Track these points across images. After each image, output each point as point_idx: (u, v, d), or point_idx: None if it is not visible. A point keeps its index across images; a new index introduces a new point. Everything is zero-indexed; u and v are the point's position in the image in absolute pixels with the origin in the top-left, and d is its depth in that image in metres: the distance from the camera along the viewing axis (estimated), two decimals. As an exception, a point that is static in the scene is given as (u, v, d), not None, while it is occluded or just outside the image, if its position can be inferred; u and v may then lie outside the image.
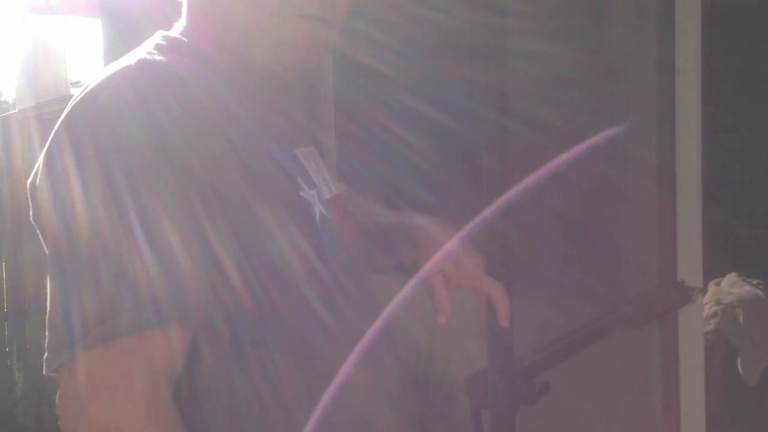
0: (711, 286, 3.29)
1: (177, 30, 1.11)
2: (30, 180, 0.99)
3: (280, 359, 0.97)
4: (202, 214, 0.91)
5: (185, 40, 1.07)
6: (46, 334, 0.92)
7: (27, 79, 7.17)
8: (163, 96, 0.94)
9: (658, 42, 1.86)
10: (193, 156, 0.92)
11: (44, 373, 0.92)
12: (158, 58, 1.00)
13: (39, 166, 0.98)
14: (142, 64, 0.98)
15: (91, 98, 0.95)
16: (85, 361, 0.87)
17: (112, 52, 4.42)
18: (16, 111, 5.90)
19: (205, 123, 0.94)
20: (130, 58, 0.99)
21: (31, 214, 0.99)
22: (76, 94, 0.99)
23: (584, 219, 1.79)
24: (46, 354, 0.91)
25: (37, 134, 5.38)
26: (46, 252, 0.96)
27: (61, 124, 0.96)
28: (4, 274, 5.34)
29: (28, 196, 1.00)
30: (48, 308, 0.92)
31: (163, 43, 1.05)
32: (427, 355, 1.59)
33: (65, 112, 0.97)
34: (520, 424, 1.19)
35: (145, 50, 1.03)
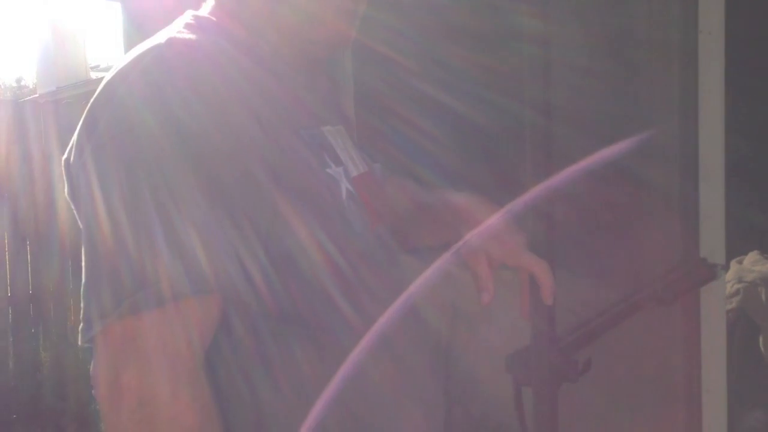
0: (733, 264, 3.28)
1: (206, 10, 1.12)
2: (65, 156, 1.01)
3: (298, 346, 0.99)
4: (225, 196, 0.92)
5: (213, 19, 1.08)
6: (81, 305, 0.94)
7: (47, 64, 7.19)
8: (192, 74, 0.95)
9: (680, 25, 1.85)
10: (219, 135, 0.92)
11: (79, 343, 0.94)
12: (188, 36, 1.01)
13: (73, 144, 0.99)
14: (172, 42, 0.99)
15: (122, 77, 0.97)
16: (118, 331, 0.89)
17: (132, 36, 4.43)
18: (37, 95, 5.92)
19: (233, 101, 0.95)
20: (160, 37, 1.00)
21: (66, 190, 1.01)
22: (109, 72, 1.00)
23: (609, 198, 1.79)
24: (81, 325, 0.93)
25: (57, 118, 5.42)
26: (81, 226, 0.98)
27: (93, 102, 0.97)
28: (28, 256, 5.39)
29: (63, 171, 1.02)
30: (83, 280, 0.94)
31: (193, 22, 1.06)
32: (447, 343, 1.60)
33: (98, 90, 0.98)
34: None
35: (175, 29, 1.04)
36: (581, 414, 1.62)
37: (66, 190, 1.02)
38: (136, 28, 4.08)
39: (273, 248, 0.95)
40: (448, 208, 1.21)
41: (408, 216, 1.25)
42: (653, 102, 1.96)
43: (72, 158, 0.99)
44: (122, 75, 0.96)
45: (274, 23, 1.06)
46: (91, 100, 0.98)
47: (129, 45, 4.62)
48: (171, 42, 0.98)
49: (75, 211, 1.01)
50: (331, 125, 1.12)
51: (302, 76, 1.12)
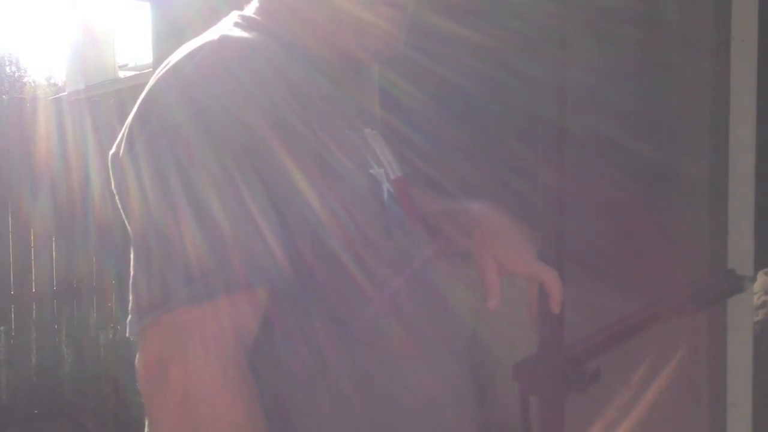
0: (761, 276, 3.23)
1: (250, 10, 1.13)
2: (112, 151, 1.01)
3: (336, 343, 0.99)
4: (275, 192, 0.93)
5: (259, 19, 1.10)
6: (130, 298, 0.95)
7: (76, 62, 7.28)
8: (246, 71, 0.96)
9: (713, 30, 1.83)
10: (271, 131, 0.93)
11: (127, 335, 0.94)
12: (239, 33, 1.03)
13: (122, 138, 1.00)
14: (225, 38, 1.01)
15: (176, 71, 0.97)
16: (167, 324, 0.90)
17: (161, 36, 4.46)
18: (66, 93, 5.99)
19: (287, 97, 0.96)
20: (212, 34, 1.02)
21: (112, 184, 1.01)
22: (159, 68, 1.01)
23: (635, 207, 1.77)
24: (129, 317, 0.94)
25: (87, 116, 5.47)
26: (126, 223, 0.99)
27: (145, 96, 0.98)
28: (54, 253, 5.45)
29: (109, 166, 1.02)
30: (131, 274, 0.95)
31: (240, 21, 1.08)
32: (471, 339, 1.60)
33: (150, 84, 0.99)
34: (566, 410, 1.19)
35: (225, 27, 1.06)
36: (595, 425, 1.60)
37: (113, 184, 1.01)
38: (166, 27, 4.09)
39: (318, 246, 0.96)
40: (460, 216, 1.23)
41: (431, 222, 1.26)
42: (684, 110, 1.93)
43: (121, 152, 0.99)
44: (176, 69, 0.97)
45: (331, 28, 1.08)
46: (143, 94, 0.99)
47: (158, 44, 4.66)
48: (224, 39, 1.00)
49: (120, 204, 1.01)
50: (371, 128, 1.14)
51: (348, 77, 1.14)
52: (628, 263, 1.75)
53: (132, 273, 0.95)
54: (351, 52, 1.09)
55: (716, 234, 1.85)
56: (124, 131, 1.00)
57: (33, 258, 5.35)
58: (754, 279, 1.92)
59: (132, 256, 0.96)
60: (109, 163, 1.02)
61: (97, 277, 5.42)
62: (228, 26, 1.07)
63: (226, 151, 0.91)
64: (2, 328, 5.23)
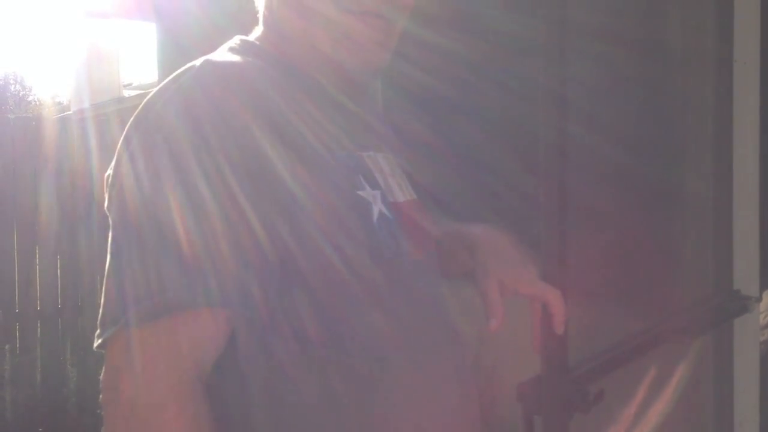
0: (766, 296, 3.22)
1: (254, 35, 1.15)
2: (108, 172, 1.04)
3: (307, 365, 0.99)
4: (244, 209, 0.94)
5: (257, 43, 1.12)
6: (100, 310, 0.97)
7: (82, 81, 7.32)
8: (220, 93, 0.98)
9: (716, 39, 1.83)
10: (239, 152, 0.95)
11: (94, 347, 0.97)
12: (225, 58, 1.06)
13: (115, 158, 1.03)
14: (207, 63, 1.03)
15: (160, 95, 1.01)
16: (122, 339, 0.92)
17: (167, 55, 4.49)
18: (71, 112, 6.02)
19: (258, 119, 0.97)
20: (199, 59, 1.05)
21: (105, 204, 1.03)
22: (153, 91, 1.05)
23: (639, 227, 1.77)
24: (98, 330, 0.97)
25: (92, 134, 5.49)
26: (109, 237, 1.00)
27: (134, 118, 1.02)
28: (59, 270, 5.46)
29: (105, 186, 1.04)
30: (104, 285, 0.98)
31: (236, 45, 1.11)
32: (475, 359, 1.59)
33: (139, 107, 1.03)
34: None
35: (218, 52, 1.09)
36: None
37: (106, 203, 1.04)
38: (171, 47, 4.12)
39: (288, 265, 0.97)
40: (463, 238, 1.23)
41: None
42: (687, 131, 1.93)
43: (112, 172, 1.02)
44: (160, 93, 1.02)
45: (312, 50, 1.09)
46: (132, 116, 1.03)
47: (163, 64, 4.69)
48: (206, 63, 1.03)
49: (109, 217, 1.03)
50: (374, 152, 1.13)
51: (344, 100, 1.14)
52: (632, 283, 1.74)
53: (104, 287, 0.98)
54: (341, 71, 1.10)
55: (721, 254, 1.84)
56: (117, 149, 1.03)
57: (38, 276, 5.36)
58: (759, 299, 1.91)
59: (106, 270, 0.98)
60: (105, 184, 1.04)
61: (101, 296, 5.42)
62: (221, 50, 1.10)
63: (193, 174, 0.93)
64: (7, 346, 5.23)
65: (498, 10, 1.93)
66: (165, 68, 4.83)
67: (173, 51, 3.95)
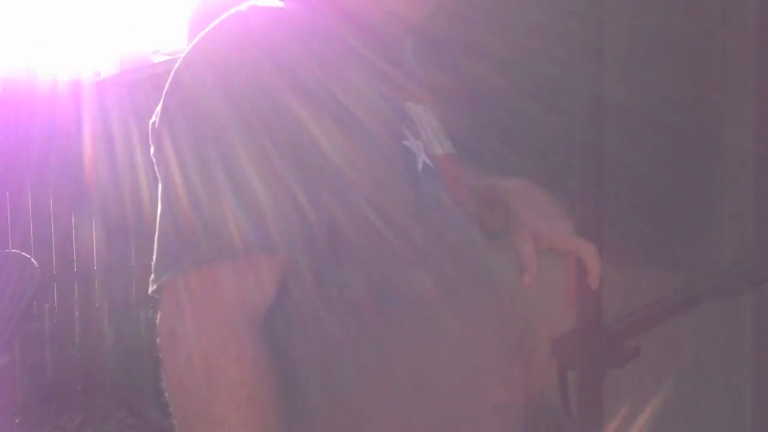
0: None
1: None
2: (152, 120, 1.04)
3: (365, 301, 0.99)
4: (294, 158, 0.95)
5: None
6: (154, 255, 0.98)
7: (111, 46, 7.33)
8: (270, 39, 0.98)
9: (755, 30, 1.78)
10: (293, 98, 0.95)
11: (149, 293, 0.97)
12: (269, 4, 1.05)
13: (161, 104, 1.03)
14: (252, 8, 1.03)
15: (207, 40, 1.01)
16: (179, 284, 0.93)
17: (196, 20, 4.48)
18: (102, 77, 6.06)
19: (312, 66, 0.97)
20: (244, 5, 1.04)
21: (151, 151, 1.04)
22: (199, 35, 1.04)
23: (677, 184, 1.74)
24: (152, 275, 0.97)
25: (124, 99, 5.52)
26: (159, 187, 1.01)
27: (179, 64, 1.02)
28: (94, 234, 5.53)
29: (149, 133, 1.04)
30: (156, 234, 0.98)
31: None
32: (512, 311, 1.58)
33: (185, 52, 1.03)
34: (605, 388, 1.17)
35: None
36: (632, 403, 1.58)
37: (151, 150, 1.04)
38: (201, 11, 4.12)
39: (337, 213, 0.97)
40: (498, 192, 1.23)
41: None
42: (725, 100, 1.88)
43: (158, 118, 1.02)
44: (207, 38, 1.02)
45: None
46: (180, 59, 1.03)
47: (192, 29, 4.67)
48: (251, 8, 1.03)
49: (156, 170, 1.04)
50: (415, 102, 1.13)
51: (385, 49, 1.13)
52: (669, 241, 1.72)
53: (156, 233, 0.98)
54: (382, 17, 1.09)
55: (761, 213, 1.81)
56: (162, 98, 1.03)
57: (73, 237, 5.43)
58: (801, 259, 1.86)
59: (158, 217, 0.98)
60: (149, 131, 1.04)
61: (136, 255, 5.48)
62: None
63: (243, 120, 0.93)
64: (46, 305, 5.33)
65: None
66: (194, 34, 4.82)
67: (202, 15, 3.94)
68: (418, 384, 1.01)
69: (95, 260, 5.49)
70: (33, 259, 3.93)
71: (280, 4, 1.05)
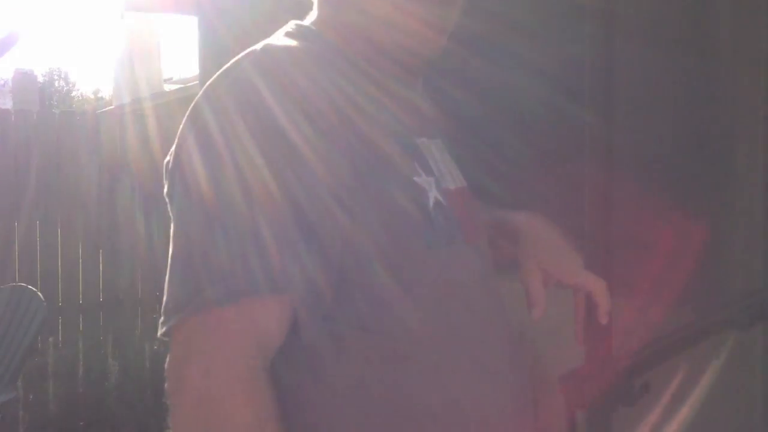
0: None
1: (308, 20, 1.15)
2: (166, 159, 1.04)
3: (378, 342, 0.98)
4: (306, 196, 0.94)
5: (313, 28, 1.12)
6: (164, 297, 0.96)
7: (123, 75, 7.41)
8: (283, 78, 0.99)
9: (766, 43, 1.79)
10: (304, 137, 0.95)
11: (158, 335, 0.96)
12: (284, 43, 1.06)
13: (176, 144, 1.03)
14: (267, 48, 1.04)
15: (222, 79, 1.02)
16: (189, 326, 0.92)
17: (208, 49, 4.52)
18: (113, 107, 6.10)
19: (323, 104, 0.98)
20: (259, 44, 1.05)
21: (165, 190, 1.03)
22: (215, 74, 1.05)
23: (687, 217, 1.73)
24: (161, 318, 0.96)
25: (133, 128, 5.55)
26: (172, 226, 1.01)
27: (196, 101, 1.03)
28: (101, 266, 5.53)
29: (163, 173, 1.04)
30: (167, 274, 0.97)
31: (292, 30, 1.11)
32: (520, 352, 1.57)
33: (201, 91, 1.04)
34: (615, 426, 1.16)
35: (275, 36, 1.09)
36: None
37: (165, 190, 1.04)
38: (212, 41, 4.15)
39: (348, 251, 0.96)
40: (507, 226, 1.23)
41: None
42: (734, 126, 1.88)
43: (172, 158, 1.02)
44: (222, 77, 1.02)
45: (367, 33, 1.09)
46: (194, 101, 1.04)
47: (205, 57, 4.72)
48: (266, 48, 1.04)
49: (170, 209, 1.03)
50: (427, 138, 1.13)
51: (399, 86, 1.13)
52: (679, 274, 1.71)
53: (168, 273, 0.97)
54: (397, 55, 1.09)
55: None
56: (179, 132, 1.03)
57: (80, 270, 5.44)
58: (811, 292, 1.85)
59: (169, 257, 0.97)
60: (163, 170, 1.04)
61: (142, 289, 5.48)
62: (279, 35, 1.10)
63: (261, 159, 0.93)
64: (50, 339, 5.32)
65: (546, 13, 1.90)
66: (206, 62, 4.87)
67: (214, 44, 3.98)
68: (427, 424, 1.00)
69: (101, 293, 5.49)
70: (39, 293, 3.92)
71: (294, 43, 1.06)
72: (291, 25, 1.12)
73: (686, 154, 1.71)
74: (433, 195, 1.05)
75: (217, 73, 1.03)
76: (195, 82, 5.30)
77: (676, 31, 1.84)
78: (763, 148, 1.81)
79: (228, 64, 1.03)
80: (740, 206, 1.87)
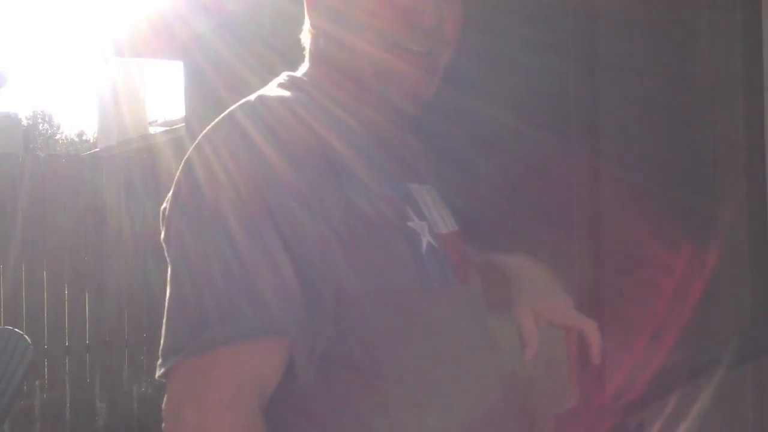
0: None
1: (301, 71, 1.18)
2: (163, 206, 1.06)
3: (357, 392, 1.00)
4: (299, 242, 0.96)
5: (305, 78, 1.15)
6: (161, 341, 0.98)
7: (108, 118, 7.43)
8: (276, 128, 1.01)
9: (745, 64, 1.82)
10: (296, 186, 0.97)
11: (156, 377, 0.97)
12: (277, 93, 1.08)
13: (172, 191, 1.05)
14: (261, 98, 1.06)
15: (217, 129, 1.04)
16: (186, 368, 0.93)
17: (193, 93, 4.55)
18: (98, 149, 6.11)
19: (315, 153, 1.00)
20: (253, 95, 1.08)
21: (162, 236, 1.05)
22: (209, 125, 1.07)
23: (675, 257, 1.75)
24: (159, 360, 0.97)
25: (119, 171, 5.56)
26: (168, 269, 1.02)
27: (191, 151, 1.05)
28: (87, 307, 5.49)
29: (160, 219, 1.06)
30: (165, 317, 0.98)
31: (285, 81, 1.14)
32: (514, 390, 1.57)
33: (196, 141, 1.05)
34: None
35: (269, 87, 1.12)
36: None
37: (162, 235, 1.06)
38: (197, 85, 4.19)
39: (342, 294, 0.98)
40: (499, 268, 1.25)
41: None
42: (719, 158, 1.91)
43: (169, 205, 1.04)
44: (217, 127, 1.04)
45: (358, 84, 1.12)
46: (189, 150, 1.06)
47: (190, 101, 4.76)
48: (260, 98, 1.06)
49: (167, 254, 1.05)
50: (419, 183, 1.15)
51: (391, 130, 1.16)
52: (668, 315, 1.72)
53: (165, 316, 0.98)
54: (387, 102, 1.12)
55: (759, 285, 1.81)
56: (175, 181, 1.05)
57: (66, 312, 5.40)
58: (799, 330, 1.86)
59: (166, 300, 0.99)
60: (160, 217, 1.06)
61: (128, 331, 5.44)
62: (272, 86, 1.12)
63: (250, 207, 0.95)
64: (37, 382, 5.25)
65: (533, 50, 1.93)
66: (192, 105, 4.91)
67: (201, 87, 4.01)
68: None
69: (87, 334, 5.44)
70: (26, 336, 3.89)
71: (287, 93, 1.08)
72: (283, 77, 1.15)
73: (674, 192, 1.74)
74: (426, 239, 1.07)
75: (212, 124, 1.06)
76: (181, 125, 5.34)
77: (657, 65, 1.88)
78: (743, 189, 1.84)
79: (222, 115, 1.05)
80: (727, 244, 1.89)
